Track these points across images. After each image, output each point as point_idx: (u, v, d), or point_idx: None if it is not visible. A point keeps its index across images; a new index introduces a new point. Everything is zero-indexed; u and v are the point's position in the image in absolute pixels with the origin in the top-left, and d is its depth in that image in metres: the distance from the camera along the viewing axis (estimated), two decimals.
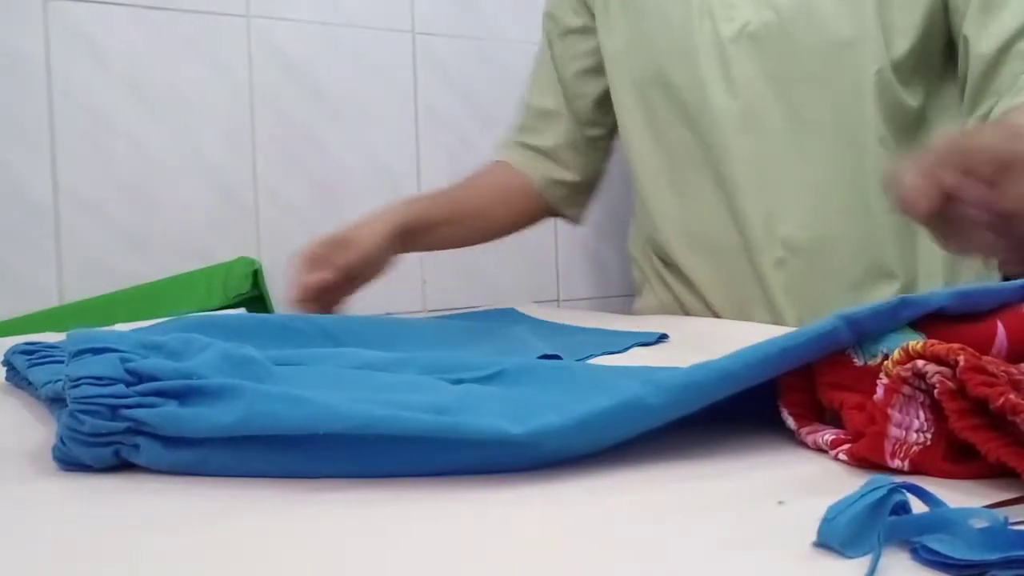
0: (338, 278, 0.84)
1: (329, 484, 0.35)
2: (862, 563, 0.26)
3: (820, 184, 0.87)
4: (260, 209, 1.27)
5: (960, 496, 0.32)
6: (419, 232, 0.95)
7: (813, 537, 0.28)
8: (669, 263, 1.00)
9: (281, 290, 1.30)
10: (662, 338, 0.74)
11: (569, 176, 1.08)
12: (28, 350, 0.52)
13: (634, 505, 0.33)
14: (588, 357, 0.65)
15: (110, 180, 1.15)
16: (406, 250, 0.95)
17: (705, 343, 0.73)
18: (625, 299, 1.44)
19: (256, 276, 1.21)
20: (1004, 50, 0.78)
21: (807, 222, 0.88)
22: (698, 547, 0.29)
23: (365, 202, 1.36)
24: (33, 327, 0.91)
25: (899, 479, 0.28)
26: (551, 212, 1.11)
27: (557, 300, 1.45)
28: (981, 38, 0.79)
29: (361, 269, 0.87)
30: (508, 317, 0.91)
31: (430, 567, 0.27)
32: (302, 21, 1.28)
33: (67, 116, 1.12)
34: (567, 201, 1.09)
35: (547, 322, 0.87)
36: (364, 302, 1.26)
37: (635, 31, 0.96)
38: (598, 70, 1.05)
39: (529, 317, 0.91)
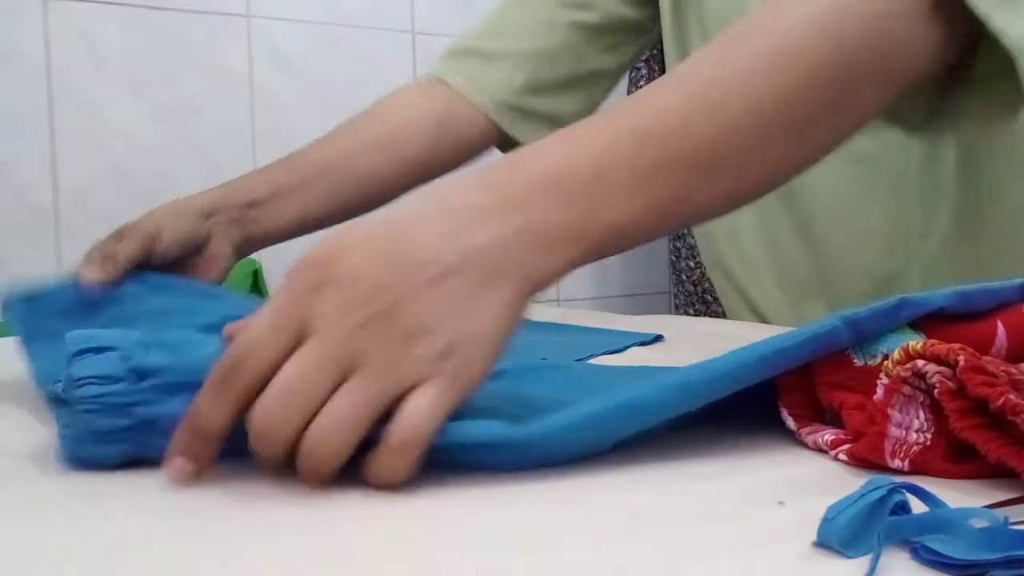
0: (115, 273, 0.64)
1: (329, 484, 0.35)
2: (862, 563, 0.26)
3: (899, 202, 0.73)
4: None
5: (960, 496, 0.32)
6: (255, 206, 0.72)
7: (813, 537, 0.28)
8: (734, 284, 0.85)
9: None
10: (658, 338, 0.74)
11: (543, 104, 0.76)
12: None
13: (634, 505, 0.33)
14: (589, 357, 0.65)
15: (110, 180, 1.15)
16: (250, 239, 0.73)
17: (704, 343, 0.73)
18: (625, 299, 1.44)
19: (256, 276, 1.21)
20: None
21: (891, 247, 0.74)
22: (698, 547, 0.29)
23: None
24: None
25: (899, 479, 0.28)
26: (481, 149, 0.78)
27: (557, 300, 1.45)
28: None
29: (148, 259, 0.66)
30: None
31: (430, 567, 0.27)
32: (302, 21, 1.28)
33: (67, 116, 1.12)
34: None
35: (547, 323, 0.87)
36: None
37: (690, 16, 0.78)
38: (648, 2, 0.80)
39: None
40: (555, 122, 0.76)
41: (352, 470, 0.36)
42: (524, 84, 0.76)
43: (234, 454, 0.35)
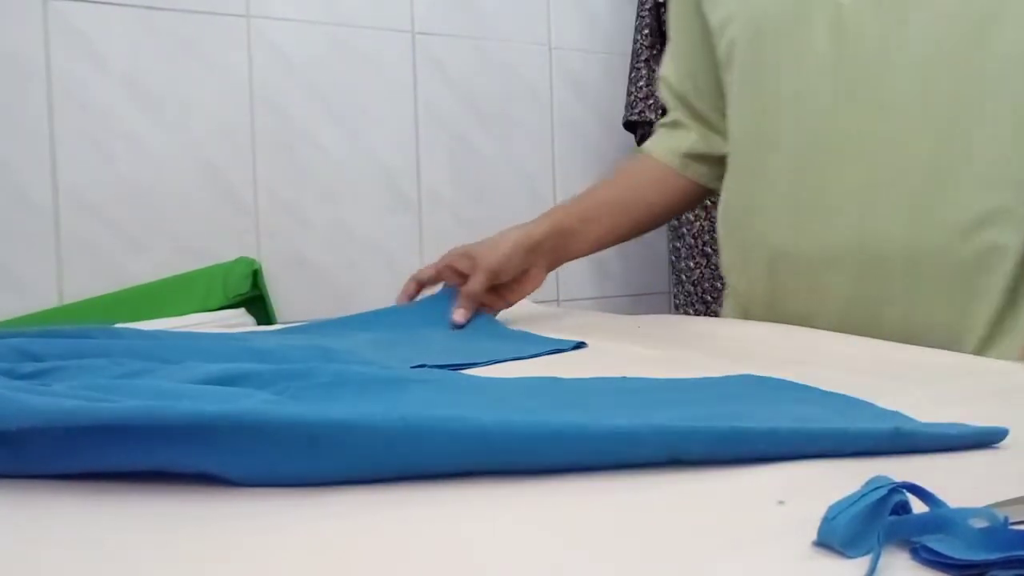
0: (472, 308, 0.87)
1: (321, 488, 0.35)
2: (862, 563, 0.26)
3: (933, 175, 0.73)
4: (260, 209, 1.27)
5: (960, 496, 0.32)
6: (567, 235, 0.94)
7: (813, 537, 0.28)
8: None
9: (281, 290, 1.30)
10: (579, 346, 0.73)
11: (704, 147, 0.99)
12: None
13: (634, 504, 0.33)
14: (490, 363, 0.65)
15: (110, 180, 1.15)
16: (558, 262, 0.95)
17: (700, 343, 0.73)
18: (625, 299, 1.44)
19: (256, 276, 1.21)
20: None
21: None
22: (698, 547, 0.29)
23: (365, 202, 1.36)
24: (33, 327, 0.91)
25: (899, 479, 0.28)
26: (706, 191, 1.03)
27: (557, 300, 1.45)
28: None
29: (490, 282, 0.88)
30: (441, 306, 0.89)
31: (428, 568, 0.27)
32: (302, 21, 1.28)
33: (67, 116, 1.12)
34: (711, 175, 1.00)
35: (478, 319, 0.87)
36: (365, 303, 1.26)
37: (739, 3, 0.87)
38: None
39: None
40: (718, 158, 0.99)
41: (350, 475, 0.36)
42: (691, 142, 1.00)
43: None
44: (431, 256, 1.30)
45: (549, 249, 0.92)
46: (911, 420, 0.41)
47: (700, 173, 1.00)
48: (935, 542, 0.26)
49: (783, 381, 0.52)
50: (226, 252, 1.23)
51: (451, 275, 0.89)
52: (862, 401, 0.46)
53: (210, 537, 0.30)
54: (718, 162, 0.97)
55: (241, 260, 1.25)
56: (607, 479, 0.36)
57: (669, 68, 1.03)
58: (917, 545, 0.26)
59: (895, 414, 0.43)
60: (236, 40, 1.22)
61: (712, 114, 0.98)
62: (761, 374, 0.54)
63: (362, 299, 1.14)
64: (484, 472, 0.36)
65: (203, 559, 0.28)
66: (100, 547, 0.29)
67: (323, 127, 1.29)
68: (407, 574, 0.27)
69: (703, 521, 0.31)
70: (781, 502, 0.32)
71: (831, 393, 0.48)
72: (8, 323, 1.06)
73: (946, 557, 0.25)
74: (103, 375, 0.50)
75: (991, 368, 0.59)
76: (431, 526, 0.31)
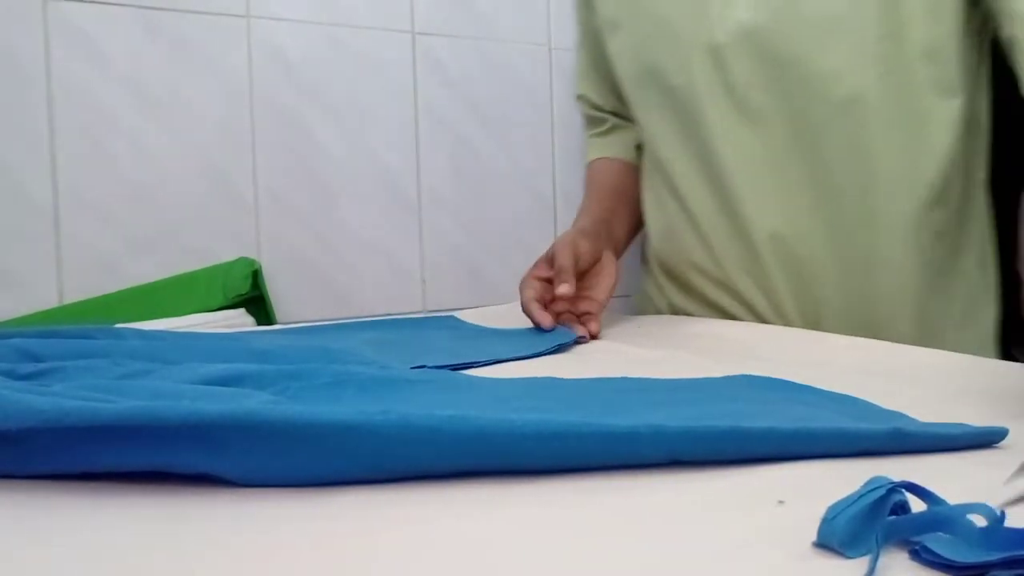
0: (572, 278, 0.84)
1: (321, 489, 0.35)
2: (862, 563, 0.26)
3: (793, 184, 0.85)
4: (260, 209, 1.27)
5: (961, 496, 0.32)
6: (604, 223, 0.97)
7: (813, 537, 0.28)
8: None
9: (281, 290, 1.30)
10: (580, 340, 0.73)
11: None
12: None
13: (634, 505, 0.33)
14: (493, 362, 0.65)
15: (110, 180, 1.15)
16: (612, 244, 0.95)
17: (700, 343, 0.73)
18: (625, 299, 1.44)
19: (256, 276, 1.21)
20: None
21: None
22: (699, 547, 0.29)
23: (365, 202, 1.36)
24: (33, 327, 0.91)
25: (898, 478, 0.28)
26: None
27: None
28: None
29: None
30: (438, 324, 0.89)
31: (427, 568, 0.27)
32: (302, 21, 1.28)
33: (67, 116, 1.12)
34: None
35: (477, 327, 0.86)
36: (365, 303, 1.26)
37: (632, 26, 0.94)
38: None
39: (463, 323, 0.90)
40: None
41: (353, 477, 0.36)
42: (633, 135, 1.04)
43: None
44: (431, 256, 1.30)
45: (605, 235, 0.93)
46: (911, 420, 0.41)
47: None
48: (935, 542, 0.26)
49: (783, 381, 0.52)
50: (226, 252, 1.23)
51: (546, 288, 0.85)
52: (862, 401, 0.46)
53: (210, 537, 0.30)
54: None
55: (241, 260, 1.25)
56: (607, 479, 0.36)
57: (586, 87, 1.08)
58: (917, 545, 0.26)
59: (895, 414, 0.43)
60: (236, 40, 1.22)
61: None
62: (761, 374, 0.54)
63: (362, 299, 1.14)
64: (484, 472, 0.36)
65: (203, 559, 0.28)
66: (100, 547, 0.29)
67: (323, 127, 1.29)
68: (407, 574, 0.27)
69: (703, 521, 0.31)
70: (781, 502, 0.32)
71: (831, 393, 0.48)
72: (8, 323, 1.06)
73: (946, 558, 0.25)
74: (103, 375, 0.50)
75: (991, 368, 0.59)
76: (431, 526, 0.31)
